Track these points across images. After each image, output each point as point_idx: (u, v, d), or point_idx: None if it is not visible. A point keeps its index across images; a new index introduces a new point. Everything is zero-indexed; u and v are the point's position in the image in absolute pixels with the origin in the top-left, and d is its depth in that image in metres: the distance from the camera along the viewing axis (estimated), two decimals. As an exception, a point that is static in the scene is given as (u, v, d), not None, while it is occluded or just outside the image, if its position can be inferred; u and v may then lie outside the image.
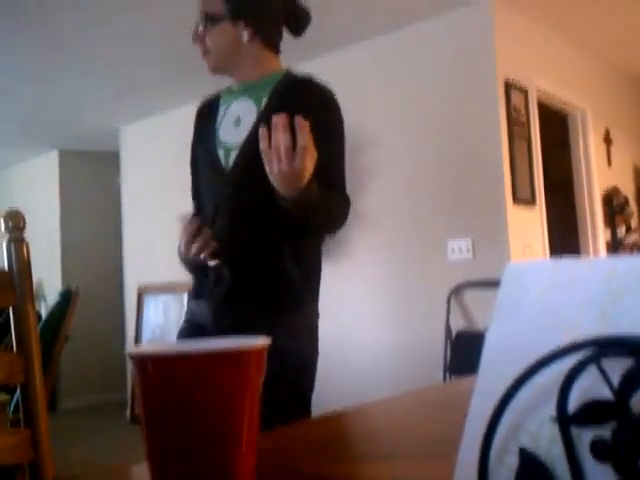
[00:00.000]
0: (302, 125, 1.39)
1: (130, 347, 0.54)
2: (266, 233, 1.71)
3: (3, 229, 1.19)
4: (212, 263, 1.70)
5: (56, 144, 6.78)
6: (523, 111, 4.05)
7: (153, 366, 0.46)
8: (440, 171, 4.07)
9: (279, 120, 1.38)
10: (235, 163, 1.74)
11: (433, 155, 4.10)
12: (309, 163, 1.43)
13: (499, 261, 3.70)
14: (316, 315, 1.78)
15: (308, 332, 1.74)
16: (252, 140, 1.62)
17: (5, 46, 4.25)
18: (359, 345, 4.31)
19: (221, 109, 1.86)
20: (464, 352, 3.66)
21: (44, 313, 3.26)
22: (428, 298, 4.03)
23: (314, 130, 1.45)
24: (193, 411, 0.47)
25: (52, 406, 6.14)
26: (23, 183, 7.51)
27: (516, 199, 3.87)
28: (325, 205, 1.61)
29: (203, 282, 1.79)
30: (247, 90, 1.82)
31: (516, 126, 3.95)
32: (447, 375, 3.77)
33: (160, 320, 5.74)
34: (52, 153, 7.01)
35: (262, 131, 1.42)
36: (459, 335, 3.81)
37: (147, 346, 0.56)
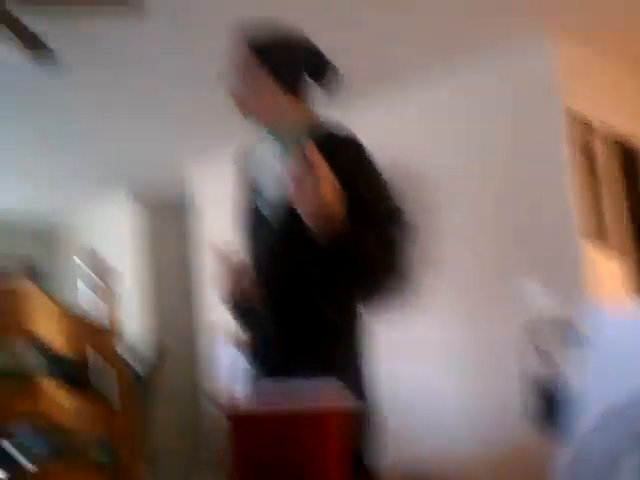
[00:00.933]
0: (311, 150, 1.50)
1: (219, 404, 0.55)
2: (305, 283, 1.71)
3: (87, 273, 1.24)
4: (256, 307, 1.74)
5: (131, 188, 6.90)
6: (589, 144, 3.96)
7: (243, 426, 0.47)
8: (514, 202, 3.99)
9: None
10: (274, 214, 1.80)
11: (498, 194, 4.03)
12: (326, 187, 1.50)
13: (573, 300, 3.58)
14: (365, 364, 1.76)
15: (364, 386, 1.72)
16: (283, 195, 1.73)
17: (93, 98, 4.45)
18: (438, 390, 4.18)
19: (261, 159, 1.94)
20: (545, 397, 3.53)
21: (134, 363, 3.31)
22: (504, 341, 3.91)
23: (344, 181, 1.56)
24: (280, 469, 0.48)
25: (150, 459, 6.11)
26: (100, 228, 7.57)
27: (587, 235, 3.77)
28: (370, 255, 1.60)
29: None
30: (276, 138, 1.88)
31: (584, 159, 3.87)
32: (528, 423, 3.62)
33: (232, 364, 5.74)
34: (127, 197, 7.09)
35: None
36: (537, 380, 3.68)
37: (241, 404, 0.58)
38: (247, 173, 1.98)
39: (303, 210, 1.54)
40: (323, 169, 1.50)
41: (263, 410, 0.50)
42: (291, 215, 1.64)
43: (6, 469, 2.77)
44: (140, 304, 6.92)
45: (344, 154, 1.75)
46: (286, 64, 1.88)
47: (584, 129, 3.92)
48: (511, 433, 3.72)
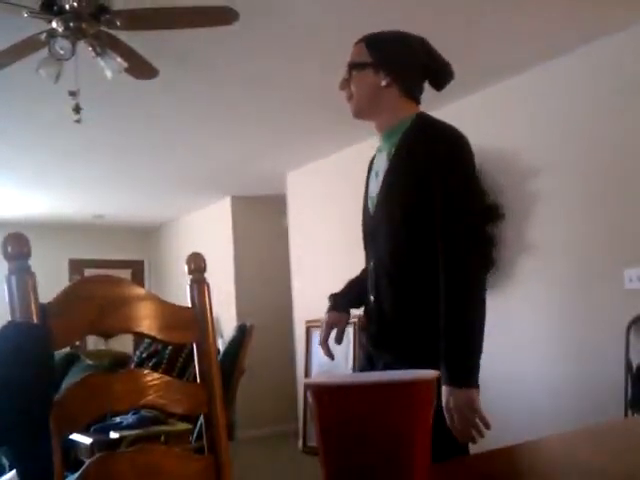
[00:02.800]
0: None
1: (305, 379, 0.57)
2: (403, 283, 1.83)
3: (187, 271, 1.29)
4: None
5: (229, 191, 7.27)
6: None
7: (330, 396, 0.49)
8: (613, 196, 3.86)
9: None
10: (375, 211, 1.92)
11: (605, 180, 3.90)
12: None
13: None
14: None
15: None
16: (381, 192, 1.89)
17: (192, 108, 4.66)
18: (533, 377, 4.14)
19: (376, 161, 2.02)
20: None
21: (222, 347, 3.45)
22: (605, 329, 3.81)
23: (438, 176, 1.73)
24: (368, 441, 0.49)
25: (230, 435, 6.41)
26: (202, 227, 8.06)
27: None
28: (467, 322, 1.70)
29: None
30: (386, 139, 1.95)
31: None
32: (629, 411, 3.52)
33: (328, 354, 5.84)
34: (226, 199, 7.51)
35: None
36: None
37: (324, 377, 0.59)
38: (367, 172, 2.06)
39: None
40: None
41: (342, 382, 0.52)
42: (382, 212, 1.86)
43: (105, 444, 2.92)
44: (237, 296, 7.25)
45: (443, 143, 1.80)
46: (397, 65, 1.91)
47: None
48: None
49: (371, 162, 2.06)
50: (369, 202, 1.96)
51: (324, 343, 2.03)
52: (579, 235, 4.02)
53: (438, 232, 1.73)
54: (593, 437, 1.02)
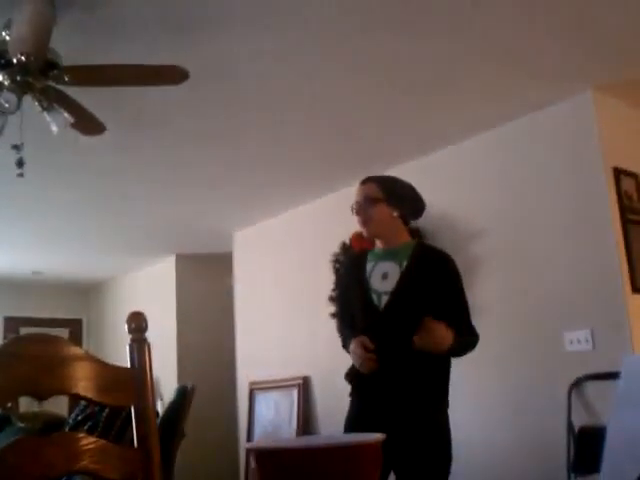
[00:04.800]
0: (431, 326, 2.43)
1: (248, 443, 0.55)
2: (412, 351, 2.46)
3: (127, 330, 1.26)
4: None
5: (174, 249, 7.19)
6: (636, 197, 3.93)
7: (272, 460, 0.48)
8: (552, 260, 3.96)
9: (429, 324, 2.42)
10: (388, 304, 2.60)
11: (544, 245, 4.00)
12: (446, 334, 2.43)
13: (621, 352, 3.51)
14: (447, 406, 2.65)
15: (446, 419, 2.60)
16: (398, 290, 2.59)
17: (140, 165, 4.64)
18: (472, 443, 4.13)
19: (369, 265, 2.74)
20: (588, 448, 3.43)
21: (161, 410, 3.35)
22: (546, 393, 3.85)
23: (446, 290, 2.64)
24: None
25: None
26: (145, 286, 7.91)
27: (635, 288, 3.70)
28: (464, 347, 2.64)
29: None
30: (390, 254, 2.72)
31: (630, 213, 3.83)
32: (571, 475, 3.54)
33: (271, 416, 5.75)
34: (170, 257, 7.41)
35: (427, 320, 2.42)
36: (582, 431, 3.59)
37: (266, 441, 0.58)
38: (357, 269, 2.78)
39: (427, 348, 2.43)
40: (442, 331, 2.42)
41: (282, 446, 0.50)
42: (398, 306, 2.59)
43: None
44: (178, 356, 7.10)
45: (444, 266, 2.70)
46: (402, 203, 2.74)
47: (629, 181, 3.89)
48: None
49: (363, 260, 2.77)
50: (372, 293, 2.64)
51: (369, 360, 2.52)
52: (518, 299, 4.10)
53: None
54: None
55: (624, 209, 3.81)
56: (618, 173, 3.84)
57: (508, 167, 4.28)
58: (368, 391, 2.61)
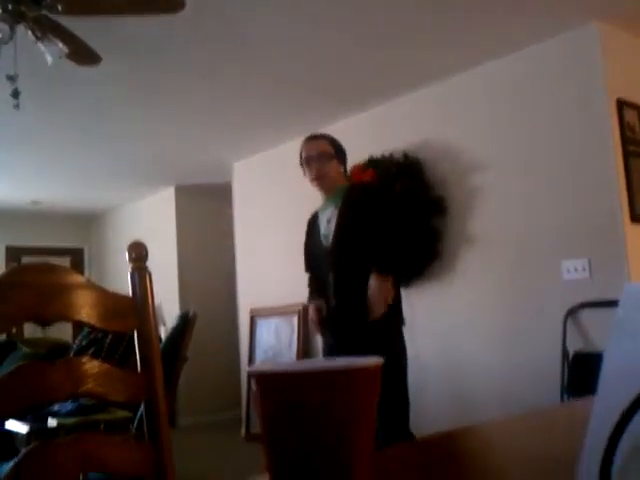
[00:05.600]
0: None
1: (250, 367, 0.57)
2: (359, 278, 2.91)
3: (127, 259, 1.27)
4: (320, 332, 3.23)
5: (173, 180, 7.19)
6: (638, 128, 3.89)
7: (273, 384, 0.49)
8: (553, 191, 3.96)
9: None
10: (332, 244, 3.03)
11: (545, 175, 4.00)
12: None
13: (617, 281, 3.55)
14: (402, 323, 3.08)
15: (397, 333, 3.04)
16: (337, 230, 3.01)
17: (140, 96, 4.58)
18: (471, 367, 4.23)
19: (320, 215, 3.16)
20: (582, 373, 3.52)
21: (164, 336, 3.40)
22: (543, 319, 3.91)
23: (378, 219, 2.93)
24: (312, 428, 0.49)
25: (171, 423, 6.35)
26: (145, 216, 7.94)
27: (634, 217, 3.71)
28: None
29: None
30: (330, 200, 3.10)
31: (631, 144, 3.80)
32: (565, 397, 3.63)
33: (272, 342, 5.86)
34: (170, 188, 7.40)
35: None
36: (576, 356, 3.67)
37: (267, 364, 0.59)
38: (313, 223, 3.22)
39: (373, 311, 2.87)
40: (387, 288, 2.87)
41: (285, 369, 0.51)
42: (340, 245, 3.02)
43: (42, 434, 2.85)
44: (180, 285, 7.17)
45: (372, 198, 3.00)
46: (345, 159, 3.14)
47: (631, 112, 3.84)
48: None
49: (314, 218, 3.21)
50: (322, 238, 3.07)
51: (318, 324, 3.08)
52: (518, 228, 4.11)
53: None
54: (530, 422, 1.05)
55: (626, 140, 3.78)
56: (621, 105, 3.79)
57: (511, 99, 4.22)
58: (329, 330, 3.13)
